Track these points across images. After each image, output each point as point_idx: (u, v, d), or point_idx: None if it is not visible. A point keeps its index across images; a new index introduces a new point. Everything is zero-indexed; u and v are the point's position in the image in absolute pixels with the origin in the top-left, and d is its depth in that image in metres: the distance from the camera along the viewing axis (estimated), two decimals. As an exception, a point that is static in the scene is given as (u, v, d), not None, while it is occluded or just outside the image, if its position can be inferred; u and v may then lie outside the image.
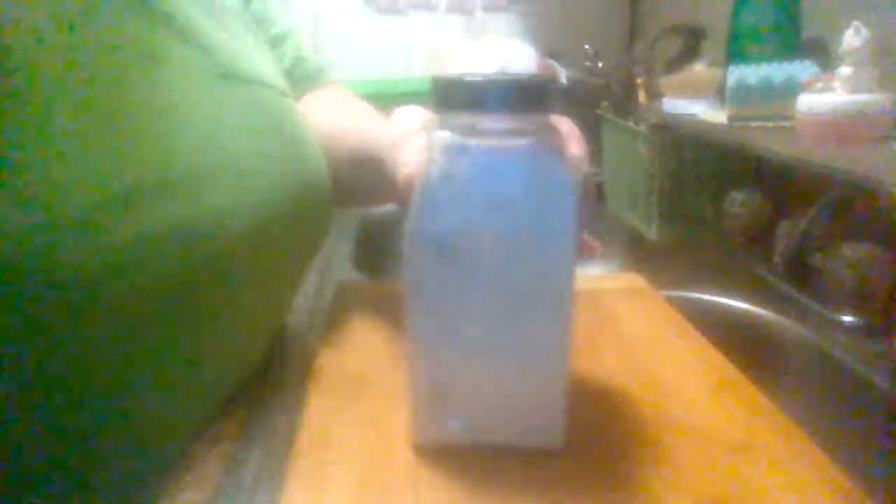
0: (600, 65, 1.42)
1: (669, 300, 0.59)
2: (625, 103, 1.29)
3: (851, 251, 0.61)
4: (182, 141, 0.35)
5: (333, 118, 0.59)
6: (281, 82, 0.47)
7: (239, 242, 0.37)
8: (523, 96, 0.32)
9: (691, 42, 1.22)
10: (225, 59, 0.40)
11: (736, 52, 0.93)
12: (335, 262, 0.78)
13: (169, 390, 0.36)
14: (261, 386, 0.45)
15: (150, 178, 0.32)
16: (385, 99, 0.62)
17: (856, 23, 0.63)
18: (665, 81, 1.13)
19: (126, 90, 0.34)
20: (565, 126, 0.40)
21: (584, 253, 0.38)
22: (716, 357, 0.47)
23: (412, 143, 0.42)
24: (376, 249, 0.87)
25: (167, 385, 0.36)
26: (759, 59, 0.85)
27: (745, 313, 0.66)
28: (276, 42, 0.59)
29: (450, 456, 0.36)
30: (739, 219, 0.86)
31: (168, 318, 0.34)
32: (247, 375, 0.44)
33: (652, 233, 0.96)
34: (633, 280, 0.64)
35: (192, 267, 0.34)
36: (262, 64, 0.46)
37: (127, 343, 0.32)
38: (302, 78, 0.61)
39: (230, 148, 0.38)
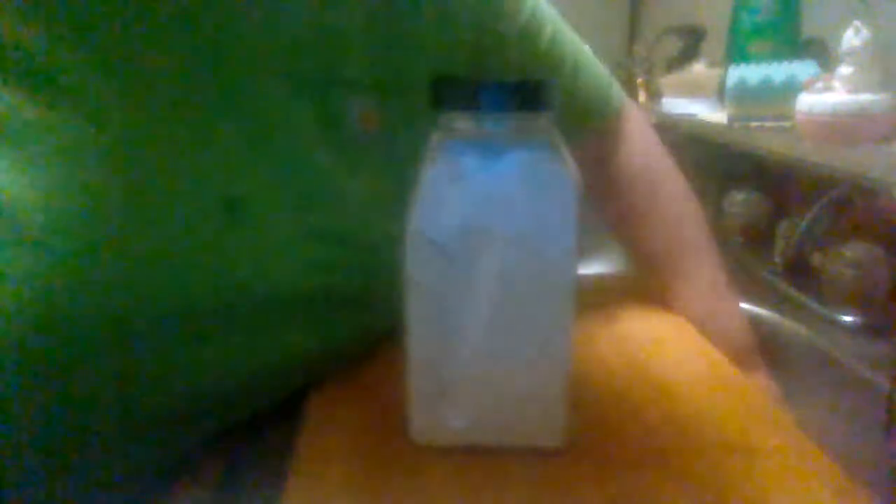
0: (600, 65, 1.42)
1: (669, 300, 0.58)
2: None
3: (851, 251, 0.61)
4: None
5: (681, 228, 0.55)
6: (384, 229, 0.42)
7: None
8: (523, 96, 0.32)
9: (691, 42, 1.22)
10: (321, 214, 0.38)
11: (736, 52, 0.93)
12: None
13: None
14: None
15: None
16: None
17: (856, 23, 0.63)
18: (665, 81, 1.13)
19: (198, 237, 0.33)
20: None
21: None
22: (716, 357, 0.47)
23: None
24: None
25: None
26: (759, 59, 0.85)
27: (746, 313, 0.66)
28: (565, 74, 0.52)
29: (450, 456, 0.36)
30: (739, 219, 0.86)
31: None
32: None
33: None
34: (633, 280, 0.64)
35: None
36: (371, 207, 0.42)
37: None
38: (596, 112, 0.55)
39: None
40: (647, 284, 0.58)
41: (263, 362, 0.38)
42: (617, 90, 0.57)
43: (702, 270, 0.54)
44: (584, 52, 0.54)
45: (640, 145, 0.58)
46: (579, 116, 0.54)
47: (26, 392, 0.30)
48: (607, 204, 0.58)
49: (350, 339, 0.43)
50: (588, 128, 0.55)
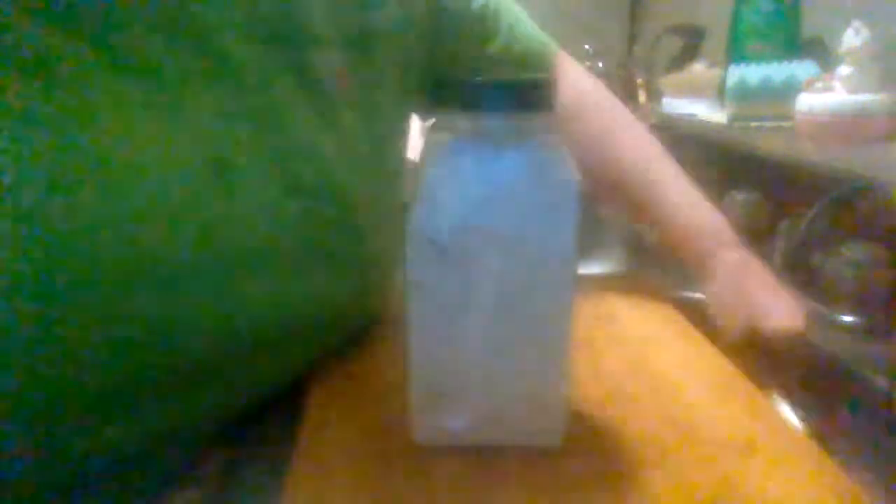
0: (600, 65, 1.42)
1: (669, 300, 0.59)
2: (625, 103, 1.29)
3: (851, 251, 0.61)
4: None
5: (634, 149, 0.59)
6: (365, 186, 0.45)
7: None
8: (523, 96, 0.32)
9: (691, 42, 1.22)
10: (302, 171, 0.39)
11: (736, 52, 0.93)
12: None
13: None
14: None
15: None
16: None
17: (856, 23, 0.63)
18: (665, 81, 1.13)
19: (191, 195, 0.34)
20: None
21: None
22: (716, 357, 0.47)
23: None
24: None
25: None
26: (759, 59, 0.85)
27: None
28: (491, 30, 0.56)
29: (450, 456, 0.36)
30: (739, 219, 0.86)
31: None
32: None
33: (652, 233, 0.96)
34: (633, 280, 0.64)
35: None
36: (350, 163, 0.43)
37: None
38: (532, 61, 0.60)
39: (274, 266, 0.38)
40: (622, 203, 0.62)
41: (250, 319, 0.38)
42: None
43: (673, 172, 0.59)
44: (515, 8, 0.60)
45: (585, 77, 0.65)
46: (526, 56, 0.59)
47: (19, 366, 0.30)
48: (575, 126, 0.60)
49: (340, 299, 0.44)
50: (537, 65, 0.60)
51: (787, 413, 0.41)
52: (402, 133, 0.53)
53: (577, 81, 0.63)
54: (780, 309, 0.51)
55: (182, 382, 0.36)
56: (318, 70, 0.40)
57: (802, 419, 0.40)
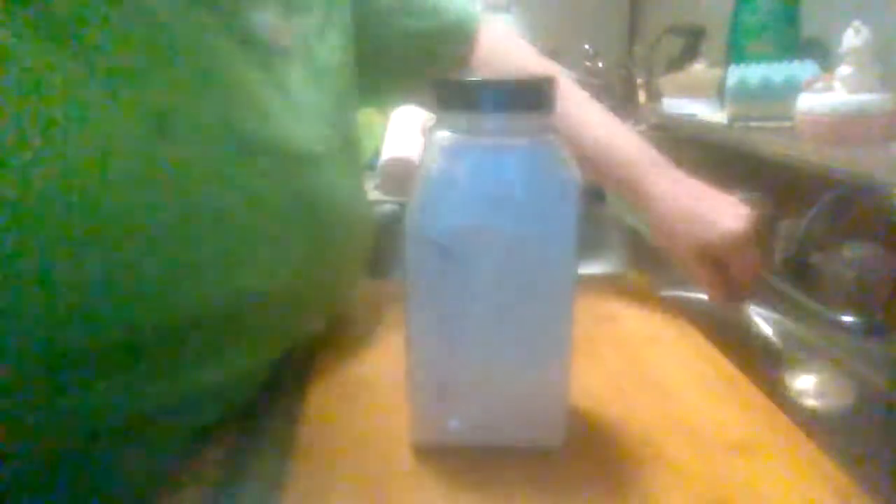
0: (600, 65, 1.42)
1: (669, 300, 0.59)
2: (625, 103, 1.29)
3: (851, 251, 0.61)
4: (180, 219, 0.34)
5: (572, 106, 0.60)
6: (315, 141, 0.44)
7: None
8: (523, 96, 0.32)
9: (691, 42, 1.22)
10: (248, 126, 0.39)
11: (736, 52, 0.93)
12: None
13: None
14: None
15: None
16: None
17: (856, 23, 0.63)
18: (665, 81, 1.13)
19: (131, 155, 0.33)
20: None
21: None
22: (716, 357, 0.47)
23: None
24: (376, 249, 0.87)
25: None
26: (759, 59, 0.85)
27: (745, 313, 0.65)
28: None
29: (450, 456, 0.36)
30: (739, 219, 0.86)
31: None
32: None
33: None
34: (633, 280, 0.64)
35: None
36: (298, 118, 0.43)
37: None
38: (455, 31, 0.61)
39: (230, 227, 0.37)
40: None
41: (200, 287, 0.36)
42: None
43: (594, 109, 0.61)
44: None
45: (514, 38, 0.65)
46: (454, 27, 0.60)
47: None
48: (491, 69, 0.61)
49: (296, 265, 0.42)
50: (465, 37, 0.61)
51: (787, 413, 0.40)
52: (352, 96, 0.53)
53: (499, 39, 0.63)
54: (724, 215, 0.51)
55: (133, 358, 0.34)
56: (255, 27, 0.41)
57: (801, 418, 0.40)
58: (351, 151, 0.49)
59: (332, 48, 0.49)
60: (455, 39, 0.60)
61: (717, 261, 0.53)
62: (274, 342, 0.43)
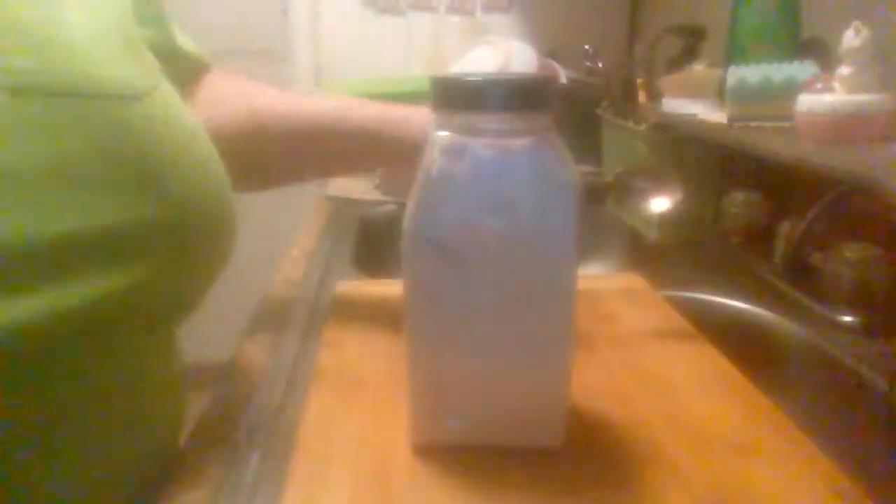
0: (600, 65, 1.42)
1: (669, 300, 0.59)
2: (625, 103, 1.29)
3: (851, 251, 0.61)
4: None
5: (315, 106, 0.58)
6: (135, 80, 0.37)
7: None
8: (523, 96, 0.32)
9: (691, 42, 1.22)
10: (57, 68, 0.32)
11: (736, 52, 0.93)
12: (335, 262, 0.78)
13: None
14: (259, 390, 0.45)
15: None
16: (385, 99, 0.62)
17: (856, 23, 0.63)
18: (665, 81, 1.13)
19: None
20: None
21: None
22: (716, 357, 0.47)
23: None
24: (376, 249, 0.87)
25: None
26: (759, 59, 0.85)
27: (745, 313, 0.65)
28: (151, 23, 0.49)
29: (450, 456, 0.36)
30: (739, 219, 0.86)
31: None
32: None
33: (652, 233, 0.96)
34: (633, 280, 0.64)
35: None
36: (111, 62, 0.36)
37: None
38: (185, 67, 0.55)
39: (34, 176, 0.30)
40: (321, 154, 0.60)
41: None
42: None
43: (346, 99, 0.60)
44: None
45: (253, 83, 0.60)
46: (193, 61, 0.57)
47: None
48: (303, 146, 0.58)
49: (108, 238, 0.33)
50: (200, 71, 0.58)
51: (787, 413, 0.40)
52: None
53: (233, 83, 0.60)
54: None
55: None
56: None
57: (802, 419, 0.40)
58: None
59: None
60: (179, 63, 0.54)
61: None
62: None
